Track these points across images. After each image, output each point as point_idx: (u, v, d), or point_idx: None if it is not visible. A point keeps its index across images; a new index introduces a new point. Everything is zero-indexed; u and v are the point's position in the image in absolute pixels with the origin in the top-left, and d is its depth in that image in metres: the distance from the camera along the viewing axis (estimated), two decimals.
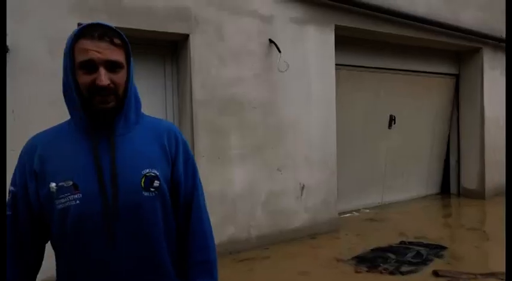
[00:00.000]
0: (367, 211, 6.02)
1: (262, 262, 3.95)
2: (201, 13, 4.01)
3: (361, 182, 6.10)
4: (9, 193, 1.19)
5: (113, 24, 1.19)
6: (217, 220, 4.05)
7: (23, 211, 1.15)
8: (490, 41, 6.69)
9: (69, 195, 1.09)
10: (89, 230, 1.09)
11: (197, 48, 4.00)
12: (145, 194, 1.13)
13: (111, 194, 1.09)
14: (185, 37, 4.00)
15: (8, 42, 3.15)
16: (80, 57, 1.08)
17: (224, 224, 4.10)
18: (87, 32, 1.09)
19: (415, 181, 6.90)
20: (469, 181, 6.91)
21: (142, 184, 1.13)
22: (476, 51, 6.78)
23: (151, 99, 4.11)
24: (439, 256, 4.01)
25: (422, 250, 4.13)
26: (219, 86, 4.12)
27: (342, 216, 5.47)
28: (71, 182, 1.09)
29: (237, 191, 4.19)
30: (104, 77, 1.08)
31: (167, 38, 4.05)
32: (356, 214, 5.86)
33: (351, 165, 5.89)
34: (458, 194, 7.04)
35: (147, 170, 1.15)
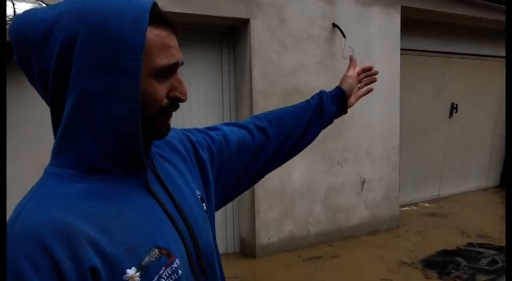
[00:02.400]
0: (426, 205, 5.70)
1: (332, 262, 3.75)
2: None
3: (418, 174, 5.75)
4: None
5: (166, 8, 0.81)
6: (276, 217, 3.87)
7: None
8: None
9: (164, 270, 0.67)
10: None
11: (257, 34, 3.72)
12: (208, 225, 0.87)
13: (192, 244, 0.76)
14: (245, 22, 3.72)
15: None
16: (161, 59, 0.67)
17: (283, 220, 3.91)
18: (160, 16, 0.68)
19: (475, 173, 6.47)
20: None
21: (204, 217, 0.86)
22: None
23: (207, 89, 3.89)
24: None
25: (497, 256, 3.82)
26: (280, 74, 3.85)
27: (400, 209, 5.19)
28: (156, 250, 0.67)
29: (295, 187, 3.97)
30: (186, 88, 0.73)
31: (225, 23, 3.78)
32: (414, 207, 5.55)
33: (409, 156, 5.54)
34: None
35: (198, 193, 0.86)
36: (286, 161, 1.12)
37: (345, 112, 1.19)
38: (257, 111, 3.73)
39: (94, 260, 0.60)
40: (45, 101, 0.70)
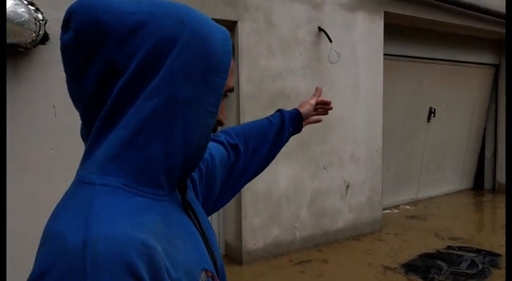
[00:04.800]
0: (407, 207, 5.81)
1: (320, 268, 3.74)
2: None
3: (398, 177, 5.86)
4: None
5: None
6: (262, 221, 3.84)
7: None
8: None
9: None
10: None
11: (245, 37, 3.68)
12: None
13: (214, 265, 0.75)
14: (232, 24, 3.67)
15: (48, 31, 2.84)
16: (231, 81, 0.71)
17: (269, 225, 3.88)
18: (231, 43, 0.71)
19: (450, 176, 6.65)
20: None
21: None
22: None
23: None
24: (495, 265, 3.80)
25: (476, 258, 3.91)
26: (267, 78, 3.81)
27: (382, 212, 5.27)
28: (204, 272, 0.67)
29: (282, 191, 3.95)
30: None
31: None
32: (395, 210, 5.65)
33: (389, 160, 5.63)
34: (493, 190, 6.79)
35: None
36: (250, 181, 1.14)
37: (299, 132, 1.26)
38: (244, 115, 3.69)
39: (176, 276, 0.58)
40: (83, 98, 0.62)
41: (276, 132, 1.16)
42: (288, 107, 4.01)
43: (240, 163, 1.06)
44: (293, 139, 4.09)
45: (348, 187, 4.43)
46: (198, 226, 0.72)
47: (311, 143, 4.12)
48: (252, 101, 3.73)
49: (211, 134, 0.71)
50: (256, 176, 1.14)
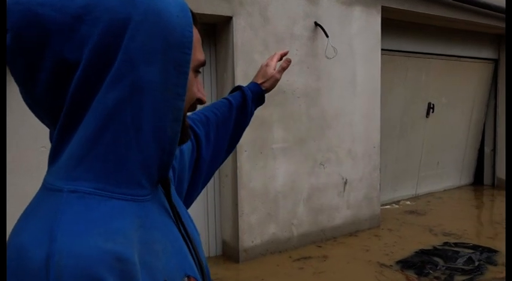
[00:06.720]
0: (408, 203, 5.80)
1: (318, 265, 3.72)
2: None
3: (396, 173, 5.83)
4: None
5: None
6: (259, 219, 3.82)
7: None
8: None
9: None
10: None
11: (240, 32, 3.64)
12: None
13: (200, 268, 0.72)
14: (227, 19, 3.63)
15: None
16: (201, 54, 0.66)
17: (266, 222, 3.86)
18: (192, 12, 0.64)
19: (450, 171, 6.62)
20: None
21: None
22: None
23: None
24: (492, 262, 3.78)
25: (473, 255, 3.89)
26: None
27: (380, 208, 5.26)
28: (186, 279, 0.64)
29: (279, 188, 3.92)
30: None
31: (207, 20, 3.68)
32: (396, 206, 5.63)
33: (387, 156, 5.60)
34: (493, 185, 6.76)
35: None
36: (218, 168, 1.11)
37: (262, 104, 1.21)
38: None
39: None
40: (41, 106, 0.58)
41: (236, 114, 1.11)
42: (286, 103, 3.98)
43: (203, 153, 1.02)
44: (290, 135, 4.07)
45: (345, 183, 4.41)
46: (182, 228, 0.68)
47: (308, 139, 4.09)
48: None
49: (194, 107, 0.69)
50: (223, 162, 1.11)
